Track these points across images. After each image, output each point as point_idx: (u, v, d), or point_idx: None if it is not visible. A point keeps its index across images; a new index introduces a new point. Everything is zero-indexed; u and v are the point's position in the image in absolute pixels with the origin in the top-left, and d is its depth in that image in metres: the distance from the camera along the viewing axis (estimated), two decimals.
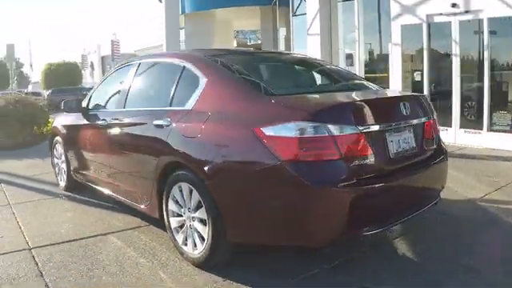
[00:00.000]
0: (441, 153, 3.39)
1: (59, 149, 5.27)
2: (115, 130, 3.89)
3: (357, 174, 2.58)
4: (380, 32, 9.58)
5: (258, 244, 2.88)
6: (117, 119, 3.88)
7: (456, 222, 3.79)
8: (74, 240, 3.59)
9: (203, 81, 3.13)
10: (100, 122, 4.12)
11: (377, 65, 9.93)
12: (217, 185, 2.78)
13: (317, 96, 3.23)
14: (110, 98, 4.34)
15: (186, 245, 3.08)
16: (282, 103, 2.78)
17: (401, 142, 2.95)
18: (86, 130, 4.53)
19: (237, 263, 2.95)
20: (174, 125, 3.13)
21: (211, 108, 2.98)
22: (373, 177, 2.68)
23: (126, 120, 3.76)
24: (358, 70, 9.77)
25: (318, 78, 3.97)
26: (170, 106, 3.32)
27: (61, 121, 5.35)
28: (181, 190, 3.06)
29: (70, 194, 5.08)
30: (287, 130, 2.50)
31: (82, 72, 41.09)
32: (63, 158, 5.14)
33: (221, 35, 18.66)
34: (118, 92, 4.11)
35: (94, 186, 4.50)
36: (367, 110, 2.77)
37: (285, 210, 2.57)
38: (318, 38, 10.19)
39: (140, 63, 3.99)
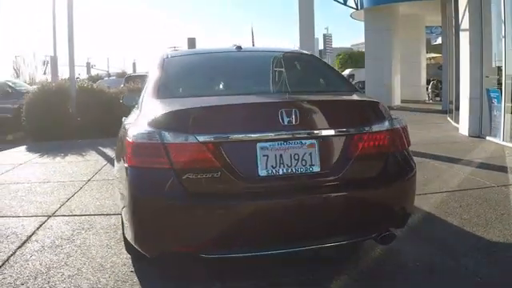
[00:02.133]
0: (394, 177, 2.57)
1: None
2: None
3: (194, 188, 2.29)
4: None
5: None
6: None
7: None
8: None
9: None
10: None
11: None
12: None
13: (193, 100, 2.70)
14: None
15: None
16: (151, 107, 2.63)
17: (285, 158, 2.36)
18: None
19: None
20: None
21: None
22: (220, 195, 2.32)
23: None
24: None
25: (265, 81, 3.23)
26: None
27: None
28: None
29: None
30: (132, 134, 2.43)
31: None
32: None
33: (408, 31, 17.59)
34: None
35: None
36: (224, 117, 2.40)
37: (125, 212, 2.57)
38: None
39: None
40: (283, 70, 3.32)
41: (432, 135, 8.66)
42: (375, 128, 2.52)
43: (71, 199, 4.67)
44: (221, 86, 3.23)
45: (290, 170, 2.37)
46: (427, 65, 20.69)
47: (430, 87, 18.75)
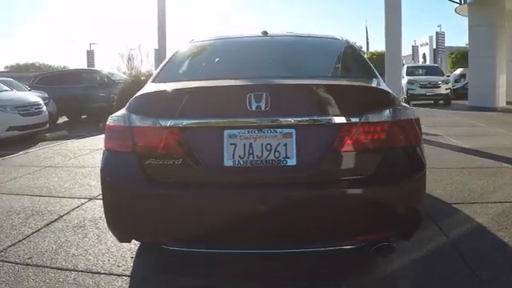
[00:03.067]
0: (392, 178, 2.18)
1: None
2: None
3: (156, 175, 2.19)
4: None
5: None
6: None
7: None
8: None
9: None
10: None
11: None
12: None
13: (174, 84, 2.49)
14: None
15: None
16: (141, 91, 2.52)
17: (255, 148, 2.11)
18: None
19: None
20: None
21: None
22: (181, 184, 2.17)
23: None
24: None
25: (279, 64, 2.96)
26: None
27: None
28: None
29: None
30: (109, 117, 2.44)
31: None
32: None
33: None
34: None
35: None
36: (190, 101, 2.21)
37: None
38: None
39: None
40: (293, 54, 3.07)
41: None
42: (371, 118, 2.16)
43: None
44: (218, 71, 3.02)
45: (259, 162, 2.12)
46: None
47: None
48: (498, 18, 14.94)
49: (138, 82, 10.69)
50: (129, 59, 13.13)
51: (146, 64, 13.02)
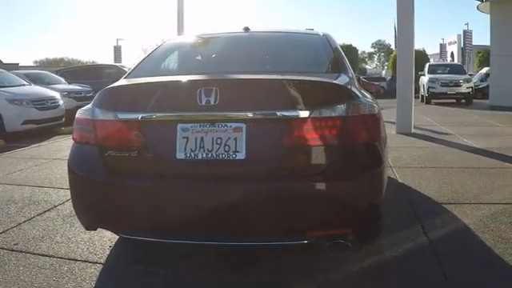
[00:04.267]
0: (342, 174, 2.15)
1: None
2: None
3: (114, 166, 2.31)
4: None
5: None
6: None
7: None
8: None
9: None
10: None
11: None
12: None
13: (140, 79, 2.64)
14: None
15: None
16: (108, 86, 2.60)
17: (206, 142, 2.15)
18: None
19: None
20: None
21: None
22: (136, 175, 2.27)
23: None
24: None
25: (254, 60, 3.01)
26: None
27: None
28: None
29: None
30: (78, 111, 2.57)
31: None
32: None
33: None
34: None
35: None
36: (146, 96, 2.30)
37: None
38: None
39: None
40: (267, 50, 3.12)
41: None
42: (323, 113, 2.15)
43: None
44: (186, 68, 3.13)
45: (210, 155, 2.17)
46: None
47: None
48: None
49: None
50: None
51: None
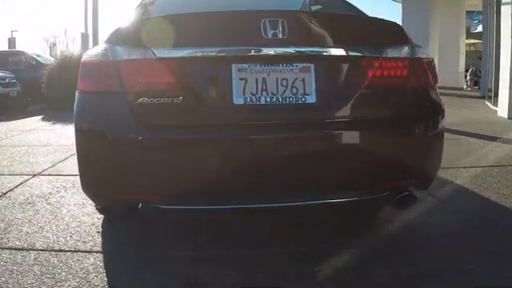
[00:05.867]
0: (415, 120, 1.99)
1: None
2: None
3: (148, 117, 1.82)
4: None
5: None
6: None
7: None
8: None
9: None
10: None
11: None
12: None
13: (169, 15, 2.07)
14: None
15: None
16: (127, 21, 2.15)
17: (269, 83, 1.83)
18: None
19: None
20: None
21: None
22: (181, 126, 1.83)
23: None
24: None
25: None
26: None
27: None
28: None
29: None
30: (85, 54, 2.02)
31: None
32: None
33: (447, 14, 16.49)
34: None
35: None
36: (192, 29, 1.89)
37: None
38: None
39: None
40: None
41: (469, 116, 7.90)
42: (390, 53, 1.94)
43: (65, 161, 4.32)
44: (219, 5, 2.56)
45: (275, 99, 1.83)
46: (467, 52, 19.38)
47: (468, 74, 17.62)
48: (432, 3, 15.22)
49: (66, 64, 9.92)
50: (54, 44, 12.25)
51: (72, 49, 12.21)
